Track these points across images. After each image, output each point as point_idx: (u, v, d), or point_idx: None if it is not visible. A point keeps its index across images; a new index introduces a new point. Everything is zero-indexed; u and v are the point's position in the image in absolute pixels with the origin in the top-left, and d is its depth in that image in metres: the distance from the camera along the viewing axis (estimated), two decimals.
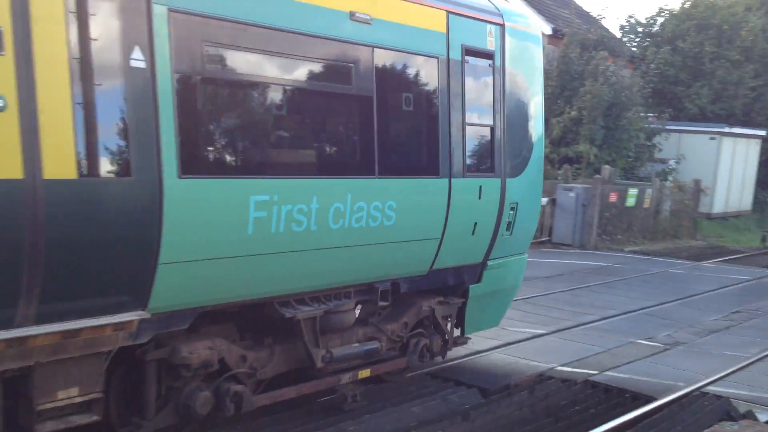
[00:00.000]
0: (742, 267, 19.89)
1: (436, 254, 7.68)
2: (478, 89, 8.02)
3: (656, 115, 26.94)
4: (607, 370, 9.23)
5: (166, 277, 5.39)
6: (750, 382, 8.88)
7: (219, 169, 5.82)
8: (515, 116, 8.43)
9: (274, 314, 6.52)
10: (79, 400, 5.31)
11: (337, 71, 6.70)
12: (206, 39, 5.56)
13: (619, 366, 9.45)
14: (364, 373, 7.61)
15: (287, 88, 6.31)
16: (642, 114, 25.05)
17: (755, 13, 29.61)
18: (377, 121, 6.87)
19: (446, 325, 8.40)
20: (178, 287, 5.57)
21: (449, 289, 8.34)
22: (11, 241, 4.57)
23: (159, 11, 5.16)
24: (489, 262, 8.43)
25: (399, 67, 7.24)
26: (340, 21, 6.51)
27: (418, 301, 7.99)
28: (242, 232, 5.82)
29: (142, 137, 5.14)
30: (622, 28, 33.43)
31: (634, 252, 21.14)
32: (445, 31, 7.46)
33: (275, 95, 6.29)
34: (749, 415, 7.83)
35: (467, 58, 7.74)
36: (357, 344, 7.47)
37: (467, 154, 7.80)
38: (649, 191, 23.32)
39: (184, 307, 5.75)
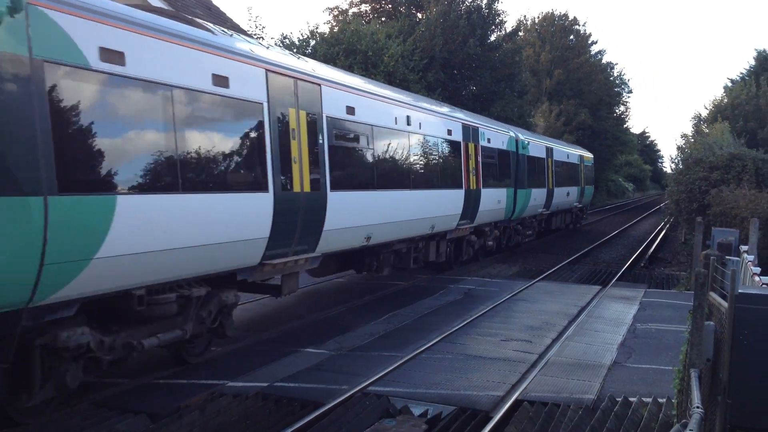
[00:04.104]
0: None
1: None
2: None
3: None
4: (277, 381, 9.40)
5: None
6: (405, 379, 9.64)
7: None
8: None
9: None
10: None
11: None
12: None
13: (289, 376, 9.70)
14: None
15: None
16: None
17: (395, 40, 32.18)
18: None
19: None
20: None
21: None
22: None
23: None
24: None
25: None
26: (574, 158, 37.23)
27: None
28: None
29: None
30: (278, 47, 34.28)
31: None
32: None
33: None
34: (405, 410, 8.50)
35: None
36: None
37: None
38: None
39: None
